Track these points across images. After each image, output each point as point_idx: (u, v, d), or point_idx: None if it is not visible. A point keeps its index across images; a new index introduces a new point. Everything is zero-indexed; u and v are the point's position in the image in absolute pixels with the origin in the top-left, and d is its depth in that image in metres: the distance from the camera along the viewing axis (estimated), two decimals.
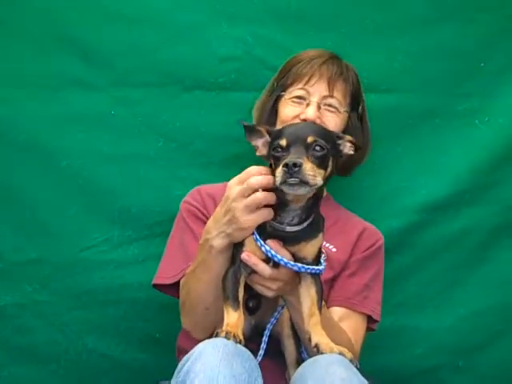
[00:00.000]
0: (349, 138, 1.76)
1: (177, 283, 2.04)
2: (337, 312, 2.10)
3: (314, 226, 1.74)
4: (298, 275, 1.78)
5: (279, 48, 2.40)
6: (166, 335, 2.37)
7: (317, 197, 1.73)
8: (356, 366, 1.68)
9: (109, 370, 2.47)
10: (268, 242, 1.72)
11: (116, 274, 2.43)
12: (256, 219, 1.72)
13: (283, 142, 1.65)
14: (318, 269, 1.75)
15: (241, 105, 2.37)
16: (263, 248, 1.72)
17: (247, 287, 1.80)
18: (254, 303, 1.91)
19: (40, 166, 2.40)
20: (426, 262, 2.49)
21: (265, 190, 1.71)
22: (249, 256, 1.74)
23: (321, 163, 1.64)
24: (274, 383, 1.91)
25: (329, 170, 1.68)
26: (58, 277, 2.43)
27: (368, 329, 2.18)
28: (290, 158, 1.60)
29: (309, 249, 1.74)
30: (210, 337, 1.68)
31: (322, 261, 1.78)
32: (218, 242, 1.79)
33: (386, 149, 2.37)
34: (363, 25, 2.45)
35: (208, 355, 1.59)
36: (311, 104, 2.13)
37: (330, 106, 2.15)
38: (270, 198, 1.71)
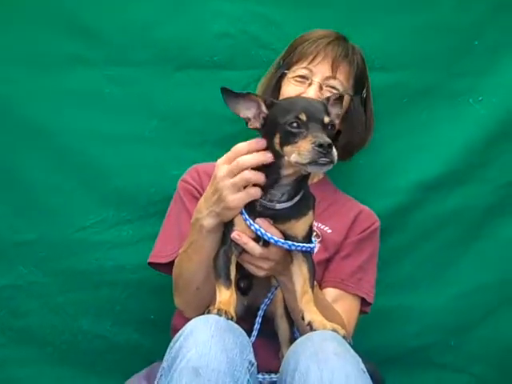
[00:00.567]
0: (333, 96, 1.78)
1: (172, 262, 2.04)
2: (330, 293, 2.11)
3: (303, 203, 1.74)
4: (289, 254, 1.78)
5: (274, 25, 2.40)
6: (161, 316, 2.37)
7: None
8: (349, 343, 1.69)
9: (104, 351, 2.48)
10: (257, 220, 1.72)
11: (111, 255, 2.42)
12: (243, 198, 1.72)
13: (303, 117, 1.64)
14: (309, 246, 1.75)
15: (236, 83, 2.35)
16: (252, 227, 1.72)
17: (239, 267, 1.80)
18: (245, 283, 1.92)
19: (34, 146, 2.39)
20: (419, 241, 2.50)
21: (253, 168, 1.71)
22: (239, 235, 1.74)
23: (334, 143, 1.65)
24: (268, 362, 1.91)
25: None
26: (52, 258, 2.43)
27: (361, 311, 2.19)
28: (323, 137, 1.60)
29: (299, 227, 1.74)
30: (203, 314, 1.69)
31: (313, 239, 1.78)
32: (208, 222, 1.80)
33: (379, 128, 2.35)
34: (358, 3, 2.43)
35: (200, 331, 1.59)
36: (313, 84, 2.13)
37: (332, 87, 2.14)
38: (259, 177, 1.71)
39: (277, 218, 1.73)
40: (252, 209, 1.73)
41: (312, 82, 2.13)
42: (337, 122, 1.77)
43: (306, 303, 1.74)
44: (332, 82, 2.14)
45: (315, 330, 1.69)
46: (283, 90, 2.19)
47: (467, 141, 2.44)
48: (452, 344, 2.55)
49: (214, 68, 2.40)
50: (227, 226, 1.78)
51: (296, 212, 1.73)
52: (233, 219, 1.76)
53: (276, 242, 1.72)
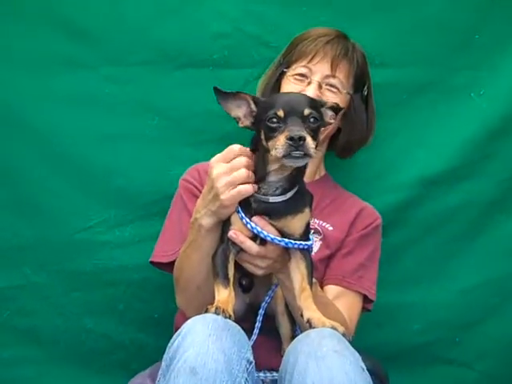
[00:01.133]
0: (330, 104, 1.77)
1: (174, 261, 2.04)
2: (332, 290, 2.11)
3: (299, 200, 1.74)
4: (287, 252, 1.78)
5: (272, 24, 2.39)
6: (164, 315, 2.39)
7: (300, 167, 1.73)
8: (348, 341, 1.68)
9: (108, 350, 2.49)
10: (253, 219, 1.73)
11: (113, 254, 2.43)
12: (235, 196, 1.73)
13: (280, 113, 1.65)
14: (306, 244, 1.75)
15: (234, 82, 2.36)
16: (249, 225, 1.72)
17: (240, 266, 1.81)
18: (247, 281, 1.92)
19: (34, 147, 2.40)
20: (421, 237, 2.49)
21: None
22: (236, 234, 1.74)
23: (315, 135, 1.66)
24: (269, 360, 1.93)
25: (319, 140, 1.70)
26: (56, 259, 2.44)
27: (363, 309, 2.18)
28: (294, 131, 1.60)
29: (295, 224, 1.74)
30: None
31: (311, 237, 1.78)
32: (206, 221, 1.80)
33: (380, 124, 2.33)
34: (356, 0, 2.42)
35: (197, 330, 1.60)
36: (312, 82, 2.12)
37: (331, 85, 2.13)
38: (252, 175, 1.73)
39: (272, 213, 1.73)
40: (248, 207, 1.74)
41: (311, 80, 2.13)
42: (332, 121, 1.78)
43: (305, 300, 1.74)
44: (331, 81, 2.14)
45: (314, 328, 1.69)
46: (283, 88, 2.18)
47: (468, 135, 2.43)
48: (457, 340, 2.54)
49: (213, 67, 2.40)
50: (225, 225, 1.78)
51: (292, 208, 1.73)
52: (230, 218, 1.76)
53: (272, 239, 1.72)
